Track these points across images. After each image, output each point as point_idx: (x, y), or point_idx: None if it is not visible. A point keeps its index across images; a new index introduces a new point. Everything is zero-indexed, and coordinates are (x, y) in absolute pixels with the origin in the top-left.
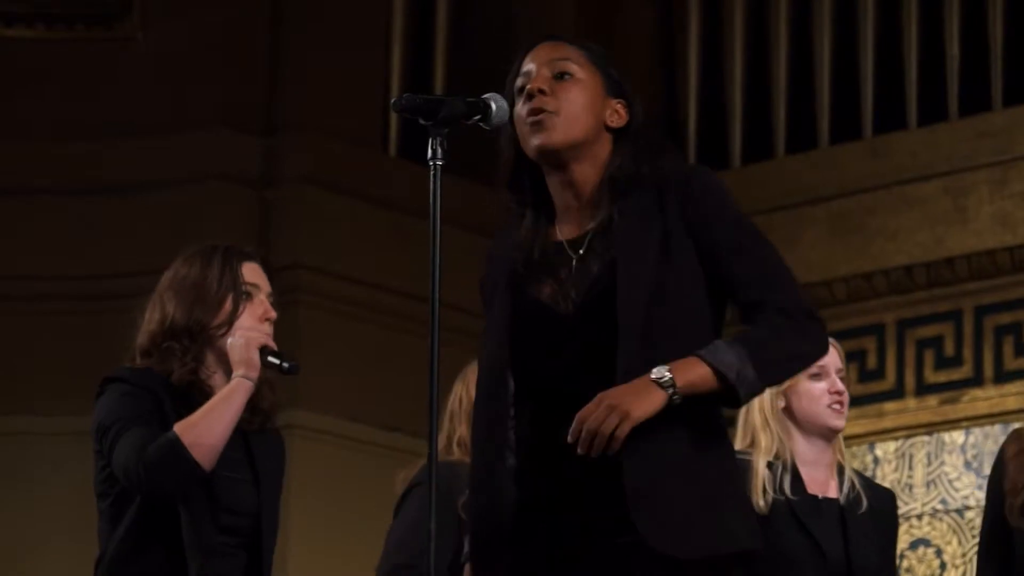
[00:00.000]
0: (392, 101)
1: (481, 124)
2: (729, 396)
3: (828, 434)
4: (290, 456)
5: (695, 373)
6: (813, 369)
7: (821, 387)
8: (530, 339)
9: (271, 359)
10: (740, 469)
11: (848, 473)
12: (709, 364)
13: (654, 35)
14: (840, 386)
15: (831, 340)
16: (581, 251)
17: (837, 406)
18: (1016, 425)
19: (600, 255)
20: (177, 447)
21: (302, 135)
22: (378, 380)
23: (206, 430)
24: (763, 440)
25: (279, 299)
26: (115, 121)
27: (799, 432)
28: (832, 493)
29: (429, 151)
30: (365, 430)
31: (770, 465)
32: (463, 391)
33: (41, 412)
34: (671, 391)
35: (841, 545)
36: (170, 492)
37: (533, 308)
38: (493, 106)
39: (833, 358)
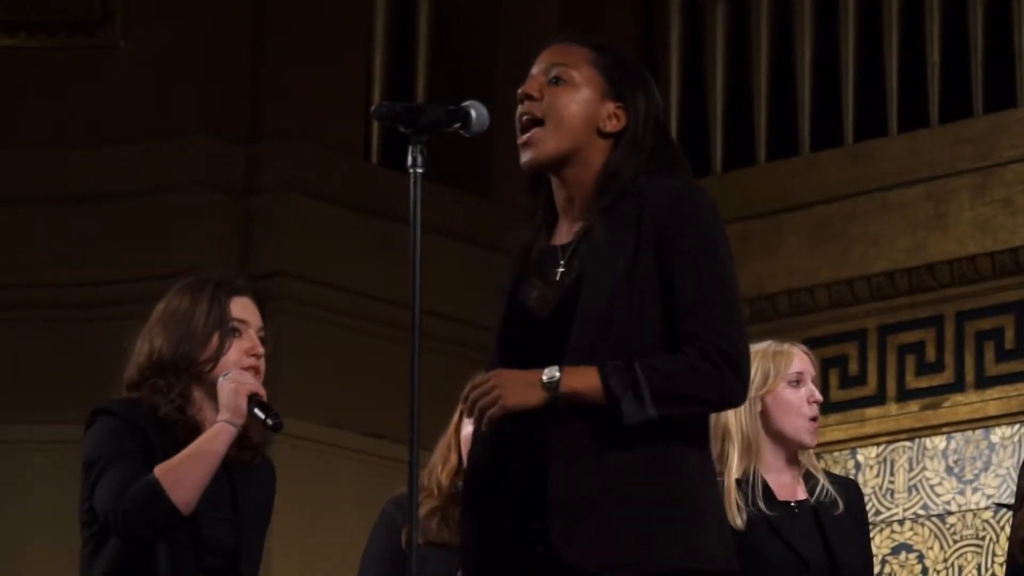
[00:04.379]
0: (372, 109)
1: (461, 132)
2: (618, 413)
3: (798, 448)
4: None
5: (584, 383)
6: (792, 376)
7: (800, 396)
8: (516, 342)
9: (257, 411)
10: (701, 485)
11: (817, 474)
12: (603, 380)
13: (636, 43)
14: (819, 395)
15: (803, 348)
16: (566, 257)
17: (814, 421)
18: (998, 430)
19: (582, 261)
20: (156, 490)
21: (284, 142)
22: (361, 387)
23: (186, 474)
24: (734, 454)
25: (262, 307)
26: (97, 129)
27: (768, 439)
28: (801, 496)
29: (409, 159)
30: (349, 437)
31: (738, 482)
32: None
33: (22, 420)
34: (552, 394)
35: (821, 549)
36: (147, 535)
37: (519, 312)
38: (473, 113)
39: (807, 365)
